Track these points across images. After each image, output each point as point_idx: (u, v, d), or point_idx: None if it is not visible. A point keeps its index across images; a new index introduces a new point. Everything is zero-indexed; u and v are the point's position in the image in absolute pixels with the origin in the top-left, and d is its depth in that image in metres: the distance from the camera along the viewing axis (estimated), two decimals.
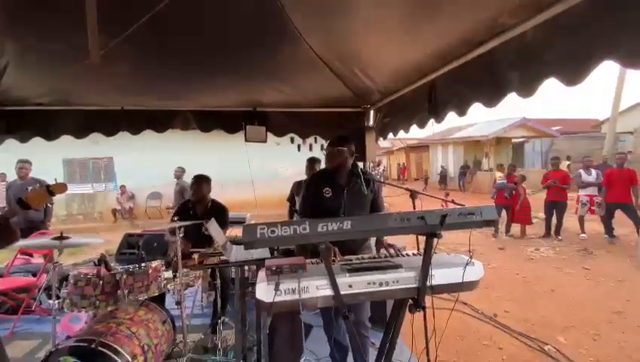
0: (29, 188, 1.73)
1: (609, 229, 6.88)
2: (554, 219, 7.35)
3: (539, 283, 4.79)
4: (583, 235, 7.15)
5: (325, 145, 2.30)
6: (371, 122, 3.62)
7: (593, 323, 3.54)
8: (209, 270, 2.89)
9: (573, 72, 1.38)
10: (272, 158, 11.83)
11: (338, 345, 2.34)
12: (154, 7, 1.58)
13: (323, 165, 3.68)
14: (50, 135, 3.30)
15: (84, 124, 3.33)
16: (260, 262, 1.96)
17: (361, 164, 2.96)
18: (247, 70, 2.71)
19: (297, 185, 4.18)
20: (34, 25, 1.99)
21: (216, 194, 3.42)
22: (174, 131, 3.62)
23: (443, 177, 19.38)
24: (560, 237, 7.22)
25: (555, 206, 7.24)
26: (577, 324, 3.51)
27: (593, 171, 7.15)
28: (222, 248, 2.21)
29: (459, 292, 1.49)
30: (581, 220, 7.23)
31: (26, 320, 3.48)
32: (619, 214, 6.70)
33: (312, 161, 3.96)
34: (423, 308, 1.45)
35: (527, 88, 1.63)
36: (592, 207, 7.00)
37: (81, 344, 1.93)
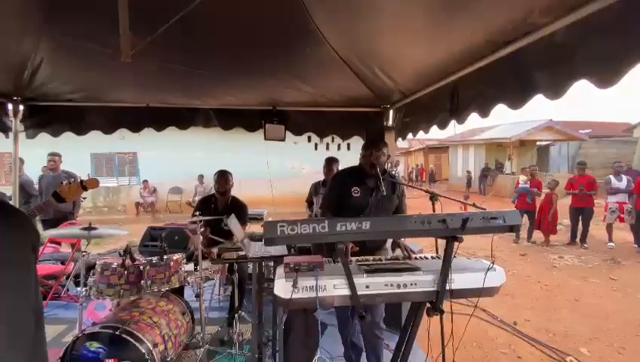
0: (64, 182, 1.84)
1: (639, 238, 6.56)
2: (580, 226, 7.06)
3: (562, 292, 4.63)
4: (611, 244, 6.84)
5: (362, 146, 2.29)
6: (390, 122, 3.58)
7: (619, 335, 3.39)
8: (227, 264, 2.96)
9: (606, 73, 1.33)
10: (289, 157, 11.96)
11: (353, 346, 2.35)
12: (182, 8, 1.62)
13: (341, 165, 3.68)
14: (80, 130, 3.44)
15: (112, 119, 3.46)
16: (277, 259, 1.99)
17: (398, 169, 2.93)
18: (269, 69, 2.74)
19: (315, 187, 4.18)
20: (68, 24, 2.09)
21: (234, 190, 3.49)
22: (196, 128, 3.71)
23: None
24: (586, 246, 6.94)
25: (581, 212, 6.95)
26: (602, 336, 3.37)
27: (624, 177, 6.83)
28: (241, 243, 2.25)
29: (478, 298, 1.46)
30: (609, 228, 6.92)
31: (53, 306, 3.67)
32: None
33: (331, 161, 3.95)
34: (441, 312, 1.43)
35: (555, 90, 1.57)
36: (622, 215, 6.68)
37: (106, 330, 2.02)
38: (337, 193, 2.25)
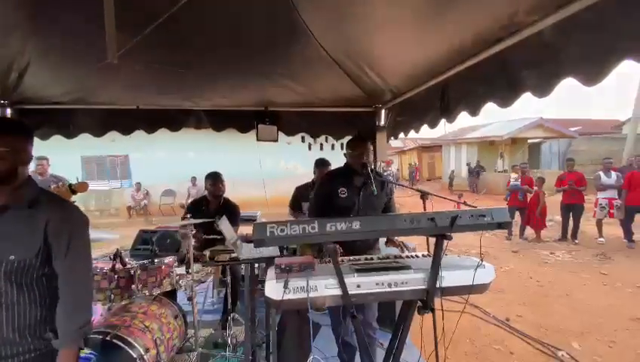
0: (52, 186, 1.82)
1: (628, 233, 6.68)
2: (570, 222, 7.16)
3: (553, 288, 4.68)
4: (601, 239, 6.95)
5: (346, 143, 2.30)
6: (382, 122, 3.60)
7: (609, 329, 3.44)
8: (220, 267, 2.94)
9: (592, 71, 1.35)
10: (283, 157, 11.94)
11: (346, 345, 2.35)
12: (169, 8, 1.61)
13: (335, 166, 3.65)
14: (70, 133, 3.39)
15: (102, 122, 3.41)
16: (269, 260, 1.98)
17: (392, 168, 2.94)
18: (260, 70, 2.73)
19: (302, 191, 3.86)
20: (54, 25, 2.06)
21: (227, 192, 3.48)
22: (188, 130, 3.68)
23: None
24: (576, 241, 7.04)
25: (572, 208, 7.06)
26: (593, 330, 3.42)
27: (613, 173, 6.94)
28: (232, 245, 2.24)
29: (469, 295, 1.47)
30: (599, 224, 7.03)
31: None
32: (639, 218, 6.48)
33: (323, 164, 3.74)
34: (432, 310, 1.44)
35: (542, 88, 1.59)
36: (611, 210, 6.79)
37: (96, 336, 1.99)
38: (325, 195, 2.25)
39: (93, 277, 1.33)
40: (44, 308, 1.22)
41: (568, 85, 1.53)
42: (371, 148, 2.21)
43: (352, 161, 2.21)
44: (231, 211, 3.16)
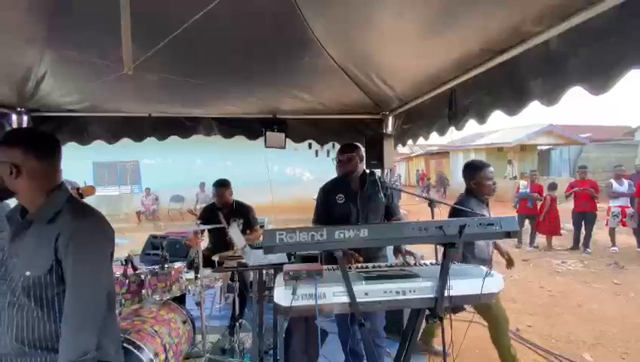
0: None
1: None
2: (582, 231, 7.03)
3: (565, 298, 4.59)
4: (614, 248, 6.80)
5: (337, 153, 2.35)
6: (389, 129, 3.62)
7: (622, 340, 3.36)
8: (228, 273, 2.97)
9: (599, 80, 1.35)
10: (290, 163, 12.01)
11: (353, 354, 2.34)
12: (183, 22, 1.66)
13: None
14: (84, 140, 3.49)
15: (115, 129, 3.50)
16: (277, 267, 2.00)
17: (378, 171, 2.98)
18: (268, 79, 2.79)
19: None
20: (72, 37, 2.13)
21: (235, 197, 3.52)
22: (197, 136, 3.75)
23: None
24: (589, 250, 6.90)
25: (584, 217, 6.93)
26: (605, 341, 3.35)
27: (625, 181, 6.81)
28: (241, 251, 2.27)
29: (478, 305, 1.47)
30: (612, 232, 6.89)
31: None
32: None
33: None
34: (440, 319, 1.43)
35: (550, 97, 1.59)
36: (624, 219, 6.65)
37: None
38: (323, 204, 2.32)
39: (101, 297, 1.18)
40: (60, 326, 1.13)
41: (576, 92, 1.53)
42: (358, 154, 2.26)
43: (337, 169, 2.28)
44: (244, 212, 3.22)
